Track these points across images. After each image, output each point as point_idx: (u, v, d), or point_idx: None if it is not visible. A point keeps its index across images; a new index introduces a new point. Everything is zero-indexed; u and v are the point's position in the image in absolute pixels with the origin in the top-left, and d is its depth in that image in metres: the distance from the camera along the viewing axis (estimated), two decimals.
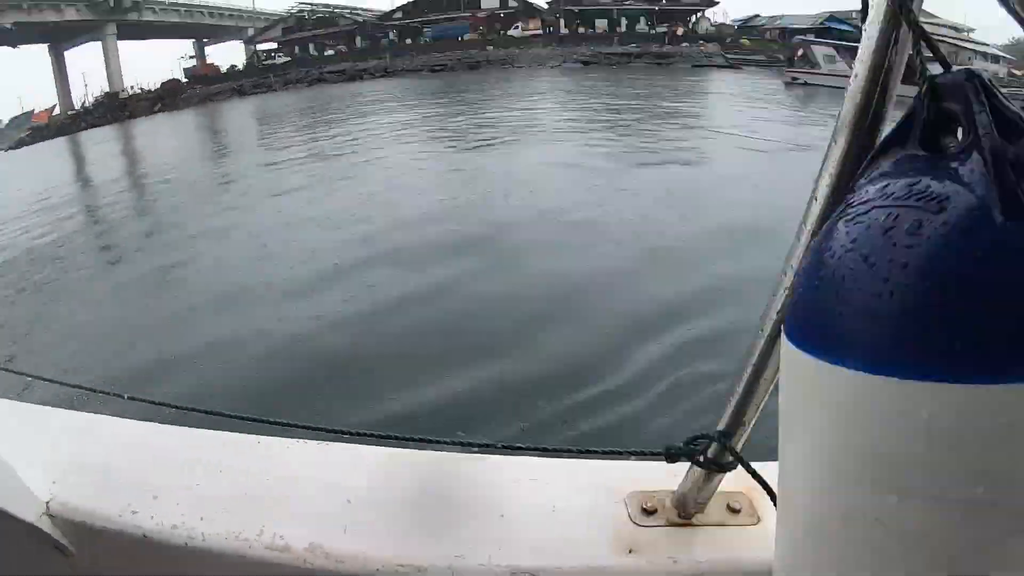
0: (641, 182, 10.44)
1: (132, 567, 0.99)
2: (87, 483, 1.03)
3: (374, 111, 28.69)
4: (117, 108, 75.82)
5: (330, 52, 73.38)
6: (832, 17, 74.10)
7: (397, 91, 42.11)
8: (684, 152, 13.92)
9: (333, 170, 13.63)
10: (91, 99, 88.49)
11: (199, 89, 73.59)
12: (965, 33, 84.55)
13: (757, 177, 10.90)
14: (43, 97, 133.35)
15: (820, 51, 43.44)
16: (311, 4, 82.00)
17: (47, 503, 0.98)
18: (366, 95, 41.08)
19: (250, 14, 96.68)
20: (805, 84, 38.93)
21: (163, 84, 79.20)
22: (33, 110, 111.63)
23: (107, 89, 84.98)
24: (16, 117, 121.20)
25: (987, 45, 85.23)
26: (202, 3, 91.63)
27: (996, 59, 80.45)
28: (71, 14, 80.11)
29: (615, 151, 13.58)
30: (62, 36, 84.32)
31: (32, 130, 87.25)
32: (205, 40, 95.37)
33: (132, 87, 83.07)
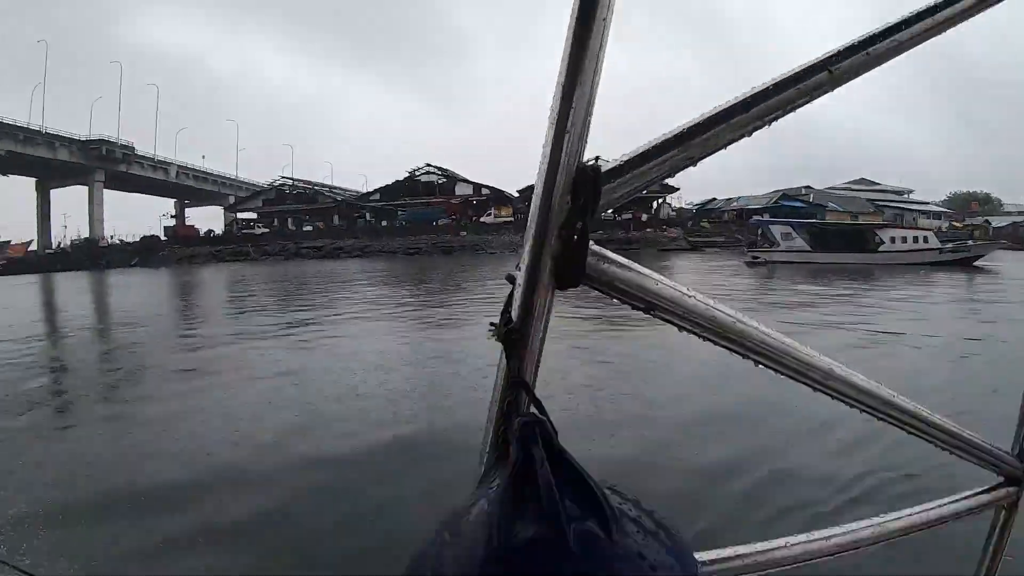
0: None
1: None
2: None
3: (348, 290, 28.21)
4: (95, 255, 77.04)
5: (308, 227, 75.87)
6: (784, 196, 78.95)
7: (373, 272, 42.11)
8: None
9: (300, 344, 13.74)
10: (70, 241, 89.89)
11: (177, 249, 75.21)
12: (906, 195, 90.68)
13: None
14: (21, 229, 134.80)
15: (777, 230, 45.57)
16: (292, 179, 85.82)
17: None
18: (342, 274, 41.93)
19: (232, 182, 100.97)
20: (765, 263, 41.16)
21: (142, 239, 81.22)
22: (9, 241, 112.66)
23: (87, 234, 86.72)
24: None
25: (927, 203, 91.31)
26: (188, 166, 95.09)
27: (938, 215, 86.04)
28: (63, 154, 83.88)
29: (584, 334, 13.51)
30: (51, 174, 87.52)
31: (7, 261, 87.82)
32: (187, 201, 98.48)
33: (112, 236, 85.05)
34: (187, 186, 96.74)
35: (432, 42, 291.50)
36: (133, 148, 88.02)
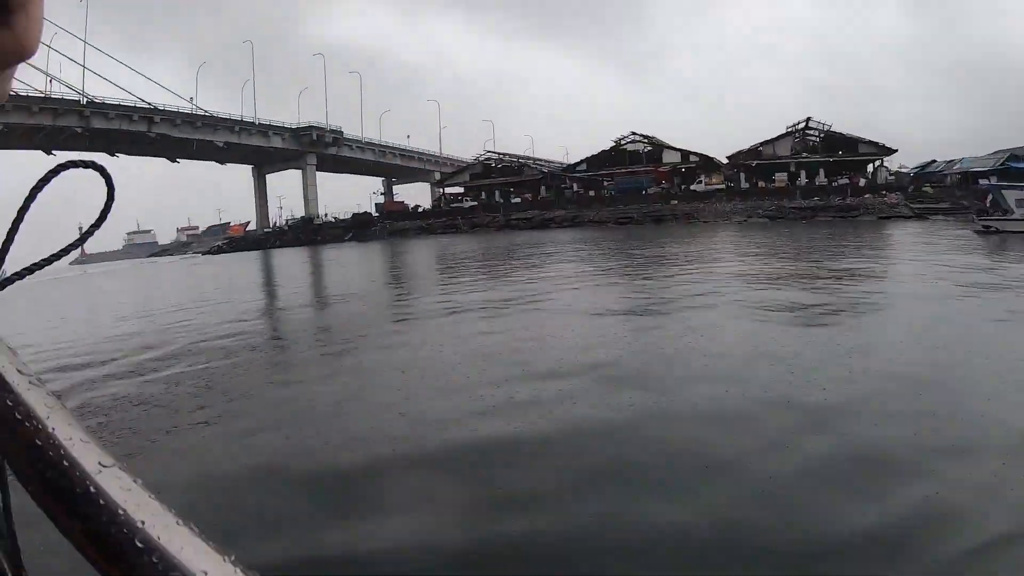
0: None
1: None
2: None
3: (561, 257, 27.33)
4: (311, 232, 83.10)
5: (516, 200, 76.76)
6: (1013, 156, 71.68)
7: (586, 240, 41.20)
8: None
9: (509, 312, 12.75)
10: (285, 220, 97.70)
11: (388, 224, 79.27)
12: None
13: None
14: (239, 212, 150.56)
15: (1011, 195, 41.66)
16: (498, 153, 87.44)
17: None
18: (556, 242, 41.50)
19: (436, 159, 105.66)
20: (997, 232, 37.93)
21: (355, 215, 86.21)
22: (229, 223, 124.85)
23: (302, 214, 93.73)
24: (213, 226, 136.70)
25: None
26: (394, 146, 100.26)
27: None
28: (276, 142, 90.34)
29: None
30: (266, 160, 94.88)
31: (229, 240, 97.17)
32: (394, 179, 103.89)
33: (325, 214, 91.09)
34: (394, 164, 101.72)
35: (608, 7, 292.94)
36: (341, 132, 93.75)
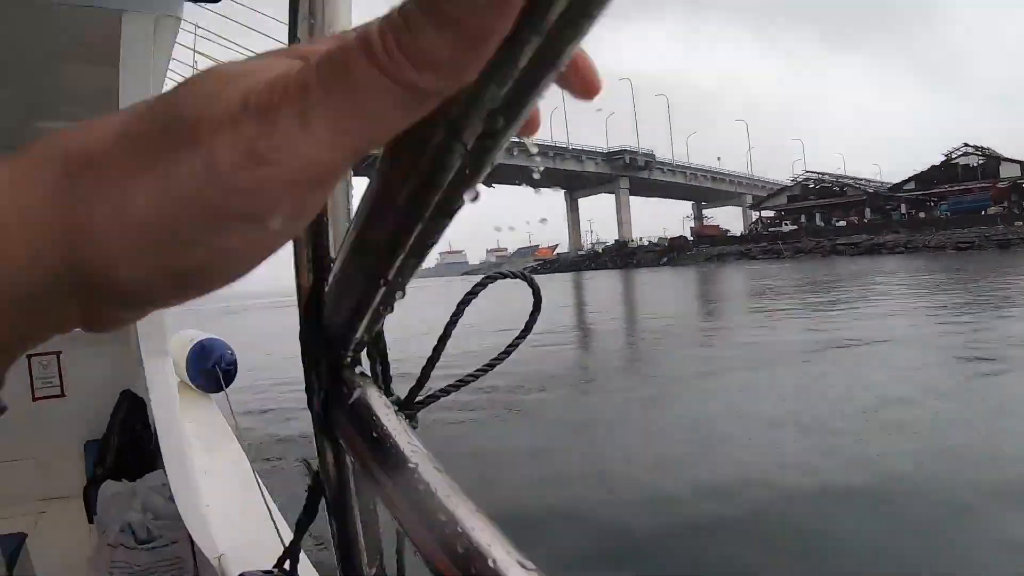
0: None
1: None
2: None
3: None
4: (625, 255, 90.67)
5: (841, 223, 76.57)
6: None
7: (924, 272, 35.66)
8: None
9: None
10: (592, 243, 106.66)
11: (704, 249, 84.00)
12: None
13: None
14: (547, 235, 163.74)
15: None
16: (817, 173, 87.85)
17: None
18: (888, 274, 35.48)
19: (748, 181, 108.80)
20: None
21: (671, 240, 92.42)
22: (538, 245, 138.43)
23: (612, 237, 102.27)
24: (522, 248, 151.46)
25: None
26: (704, 168, 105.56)
27: None
28: (590, 166, 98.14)
29: None
30: (578, 184, 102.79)
31: (542, 262, 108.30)
32: (703, 203, 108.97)
33: (640, 238, 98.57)
34: (705, 187, 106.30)
35: (895, 12, 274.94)
36: (653, 155, 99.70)
